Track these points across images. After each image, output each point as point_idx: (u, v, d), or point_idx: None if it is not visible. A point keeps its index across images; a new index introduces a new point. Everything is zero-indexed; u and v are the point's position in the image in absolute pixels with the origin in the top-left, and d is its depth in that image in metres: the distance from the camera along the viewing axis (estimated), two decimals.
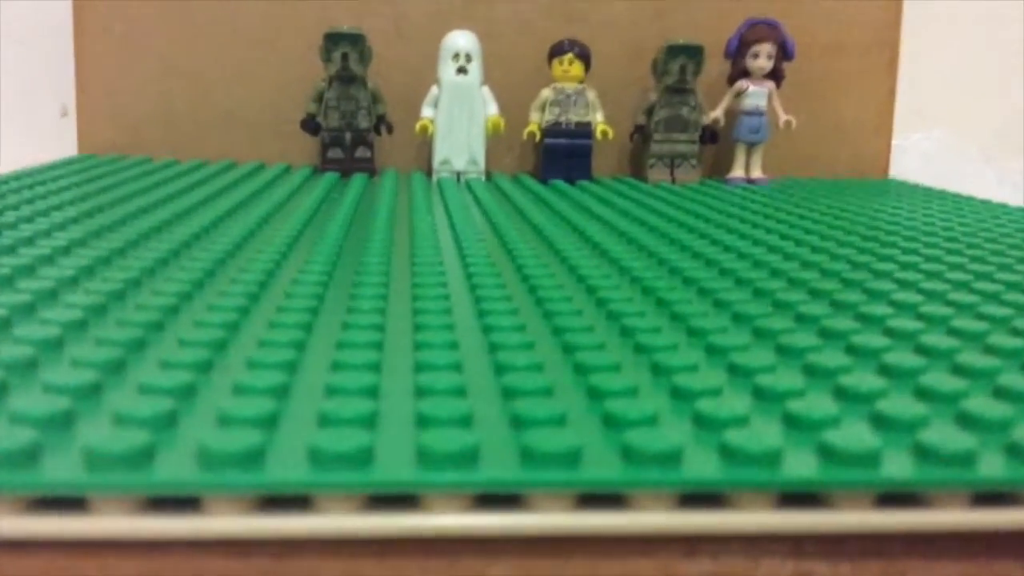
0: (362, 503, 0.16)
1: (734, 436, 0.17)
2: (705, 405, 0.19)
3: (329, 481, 0.16)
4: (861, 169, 0.70)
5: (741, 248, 0.37)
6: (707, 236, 0.40)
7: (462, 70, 0.58)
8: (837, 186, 0.63)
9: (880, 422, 0.19)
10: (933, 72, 0.74)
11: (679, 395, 0.20)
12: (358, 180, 0.56)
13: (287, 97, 0.62)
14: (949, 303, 0.29)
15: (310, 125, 0.59)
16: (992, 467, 0.17)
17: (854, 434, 0.18)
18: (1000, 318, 0.28)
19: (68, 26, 0.62)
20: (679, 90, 0.61)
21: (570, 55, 0.60)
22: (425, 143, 0.62)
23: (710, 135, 0.63)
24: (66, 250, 0.32)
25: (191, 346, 0.22)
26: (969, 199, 0.57)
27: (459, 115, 0.59)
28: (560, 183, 0.60)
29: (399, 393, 0.20)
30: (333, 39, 0.57)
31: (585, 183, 0.60)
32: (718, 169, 0.66)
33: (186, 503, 0.16)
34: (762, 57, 0.61)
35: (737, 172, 0.64)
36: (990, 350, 0.25)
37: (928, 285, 0.32)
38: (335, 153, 0.60)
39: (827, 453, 0.17)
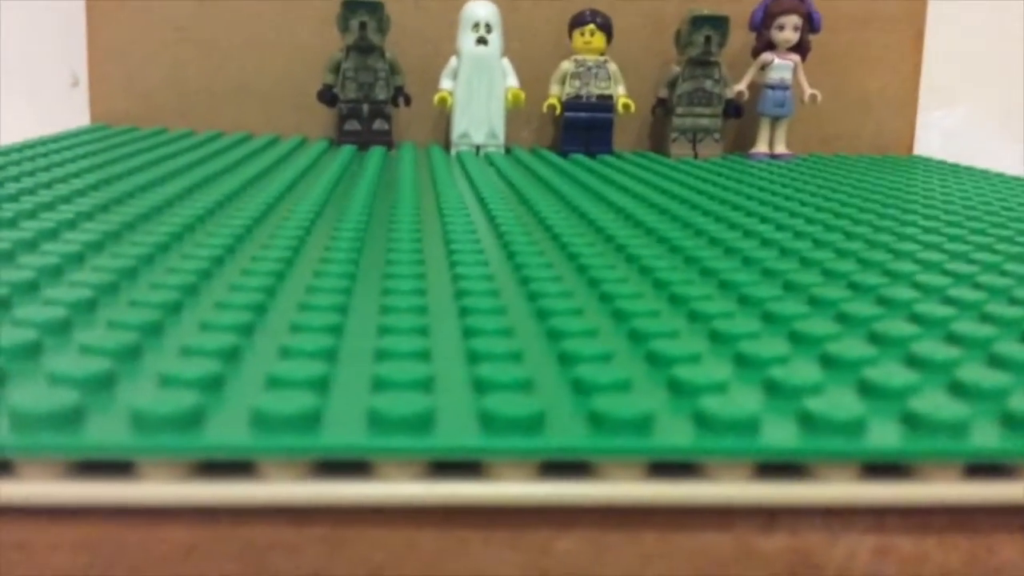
0: (423, 470, 0.15)
1: (813, 403, 0.16)
2: (777, 372, 0.18)
3: (388, 446, 0.15)
4: (885, 145, 0.68)
5: (763, 231, 0.36)
6: (728, 213, 0.39)
7: (482, 40, 0.57)
8: (861, 162, 0.62)
9: (961, 391, 0.18)
10: (957, 48, 0.73)
11: (746, 363, 0.19)
12: (376, 153, 0.54)
13: (303, 67, 0.61)
14: (978, 286, 0.28)
15: (327, 96, 0.58)
16: None
17: (939, 402, 0.17)
18: None
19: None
20: (703, 62, 0.60)
21: (591, 26, 0.59)
22: (443, 116, 0.60)
23: (734, 109, 0.61)
24: (89, 215, 0.31)
25: (231, 309, 0.21)
26: (1000, 176, 0.56)
27: (478, 87, 0.58)
28: (580, 157, 0.58)
29: (453, 357, 0.19)
30: (351, 7, 0.56)
31: (605, 157, 0.59)
32: (741, 144, 0.65)
33: (238, 468, 0.15)
34: (788, 29, 0.60)
35: (761, 147, 0.63)
36: None
37: (953, 267, 0.30)
38: (352, 125, 0.58)
39: (911, 421, 0.16)
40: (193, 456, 0.15)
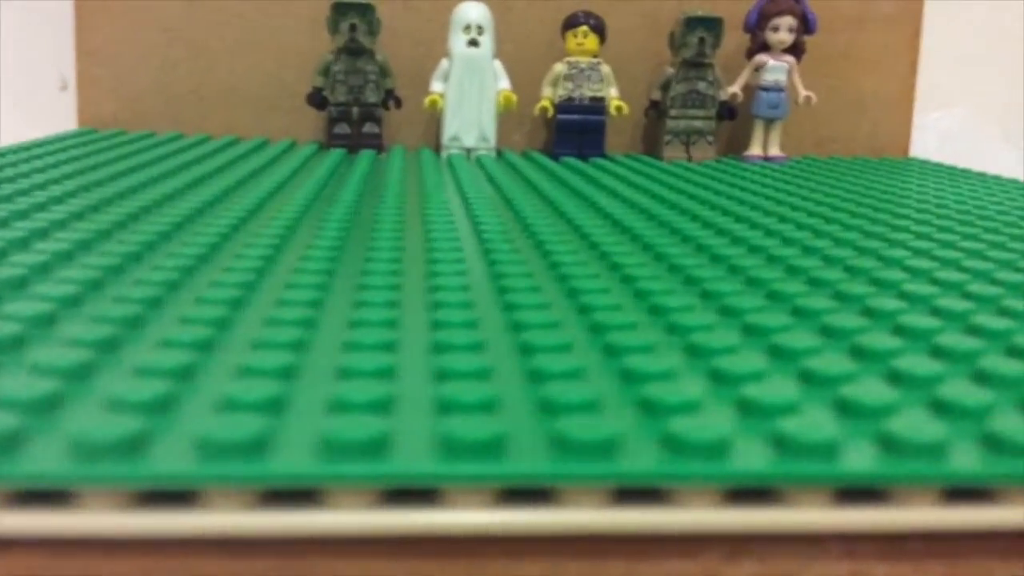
0: (376, 497, 0.15)
1: (786, 424, 0.16)
2: (751, 390, 0.18)
3: (341, 473, 0.14)
4: (881, 147, 0.68)
5: (751, 237, 0.35)
6: (717, 218, 0.38)
7: (473, 42, 0.56)
8: (856, 164, 0.61)
9: (943, 409, 0.18)
10: (954, 49, 0.72)
11: (719, 379, 0.19)
12: (365, 157, 0.54)
13: (293, 70, 0.60)
14: (967, 296, 0.27)
15: (316, 99, 0.57)
16: None
17: (916, 422, 0.16)
18: None
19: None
20: (696, 64, 0.59)
21: (584, 27, 0.58)
22: (434, 119, 0.60)
23: (728, 111, 0.61)
24: (63, 224, 0.31)
25: (193, 324, 0.20)
26: (996, 178, 0.55)
27: (470, 89, 0.57)
28: (572, 160, 0.58)
29: (417, 376, 0.18)
30: (340, 9, 0.55)
31: (598, 160, 0.58)
32: (735, 146, 0.65)
33: (182, 497, 0.14)
34: (782, 30, 0.59)
35: (755, 150, 0.62)
36: None
37: (943, 275, 0.29)
38: (342, 128, 0.58)
39: (887, 443, 0.16)
40: (136, 485, 0.14)
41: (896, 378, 0.19)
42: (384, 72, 0.58)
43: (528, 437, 0.16)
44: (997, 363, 0.20)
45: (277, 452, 0.15)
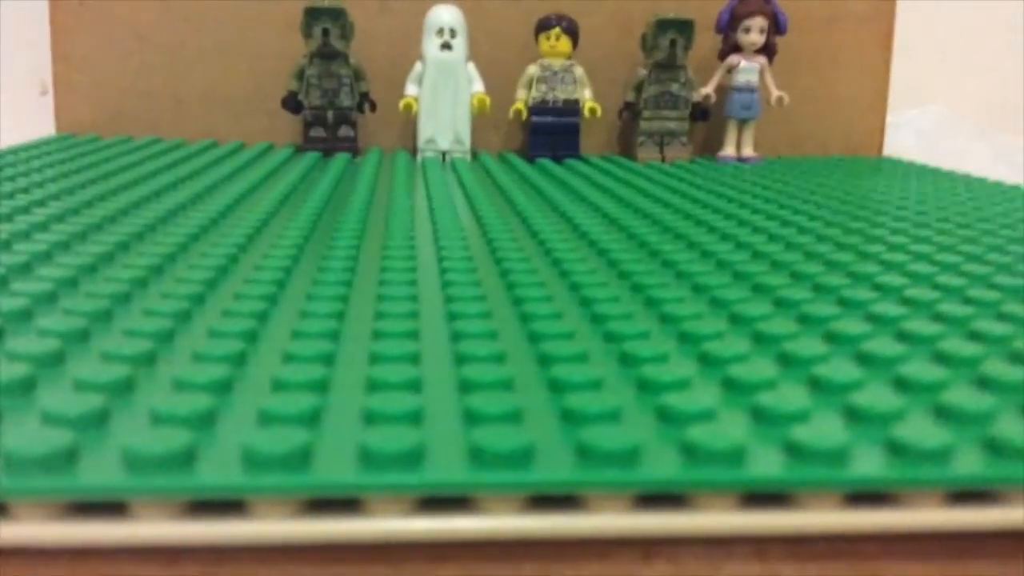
0: (301, 507, 0.15)
1: (697, 432, 0.17)
2: (671, 399, 0.18)
3: (264, 484, 0.15)
4: (855, 147, 0.68)
5: (727, 229, 0.36)
6: (695, 216, 0.39)
7: (446, 46, 0.57)
8: (829, 164, 0.62)
9: (853, 415, 0.18)
10: (928, 47, 0.73)
11: (645, 387, 0.19)
12: (340, 160, 0.54)
13: (269, 74, 0.61)
14: (936, 287, 0.28)
15: (291, 103, 0.58)
16: (967, 464, 0.17)
17: (823, 430, 0.17)
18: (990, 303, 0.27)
19: (45, 3, 0.60)
20: (669, 66, 0.60)
21: (557, 30, 0.59)
22: (410, 121, 0.60)
23: (700, 112, 0.61)
24: (44, 226, 0.32)
25: (136, 336, 0.21)
26: (964, 177, 0.56)
27: (444, 92, 0.58)
28: (547, 162, 0.58)
29: (349, 387, 0.19)
30: (313, 14, 0.56)
31: (573, 162, 0.59)
32: (709, 147, 0.65)
33: (117, 507, 0.15)
34: (754, 32, 0.60)
35: (728, 150, 0.63)
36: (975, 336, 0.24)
37: (915, 267, 0.31)
38: (317, 132, 0.58)
39: (793, 450, 0.17)
40: (68, 496, 0.15)
41: (816, 385, 0.20)
42: (358, 76, 0.58)
43: (447, 447, 0.16)
44: (998, 368, 0.21)
45: (202, 464, 0.15)
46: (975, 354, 0.22)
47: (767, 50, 0.61)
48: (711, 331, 0.23)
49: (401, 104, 0.57)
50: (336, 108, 0.58)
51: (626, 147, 0.65)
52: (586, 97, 0.59)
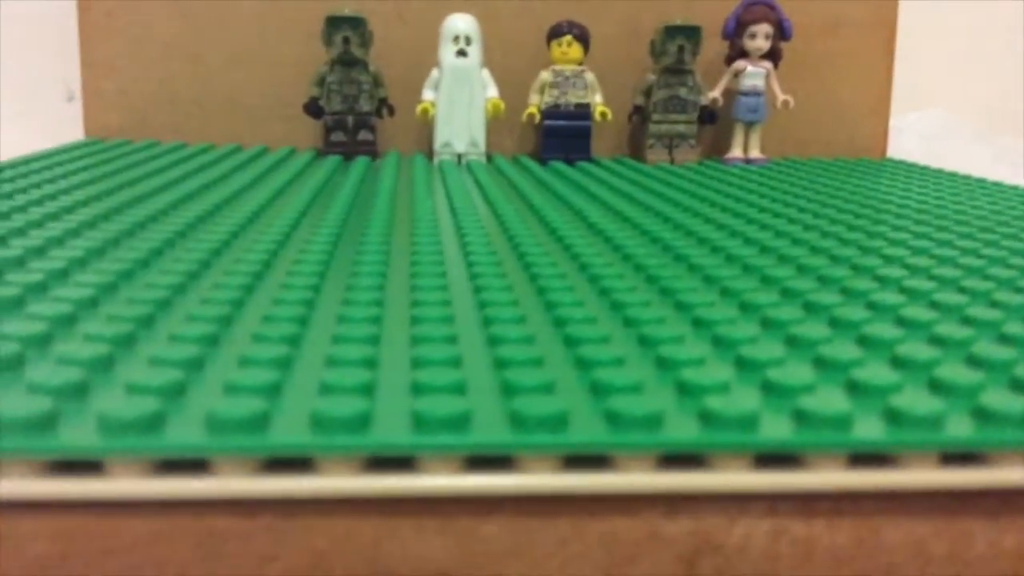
0: (361, 465, 0.17)
1: (714, 401, 0.18)
2: (688, 374, 0.20)
3: (330, 444, 0.17)
4: (859, 149, 0.70)
5: (735, 225, 0.38)
6: (705, 214, 0.41)
7: (462, 53, 0.59)
8: (834, 166, 0.64)
9: (855, 388, 0.20)
10: (930, 51, 0.74)
11: (664, 365, 0.21)
12: (360, 163, 0.56)
13: (291, 80, 0.63)
14: (933, 278, 0.30)
15: (313, 109, 0.60)
16: (959, 429, 0.18)
17: (827, 399, 0.19)
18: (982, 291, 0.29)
19: (72, 10, 0.62)
20: (677, 71, 0.62)
21: (568, 37, 0.61)
22: (427, 126, 0.62)
23: (708, 115, 0.63)
24: (76, 232, 0.33)
25: (198, 321, 0.23)
26: (965, 178, 0.58)
27: (459, 98, 0.60)
28: (560, 164, 0.60)
29: (397, 364, 0.21)
30: (334, 23, 0.58)
31: (584, 164, 0.61)
32: (717, 149, 0.67)
33: (195, 465, 0.17)
34: (759, 37, 0.62)
35: (736, 152, 0.65)
36: (968, 321, 0.25)
37: (914, 261, 0.32)
38: (338, 136, 0.60)
39: (801, 417, 0.18)
40: (155, 455, 0.17)
41: (898, 362, 0.22)
42: (377, 82, 0.60)
43: (491, 414, 0.18)
44: (987, 349, 0.23)
45: (275, 428, 0.17)
46: (967, 336, 0.24)
47: (772, 55, 0.63)
48: (723, 317, 0.25)
49: (418, 109, 0.59)
50: (356, 113, 0.60)
51: (636, 149, 0.67)
52: (597, 101, 0.61)
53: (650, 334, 0.23)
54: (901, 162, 0.67)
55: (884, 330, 0.24)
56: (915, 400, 0.19)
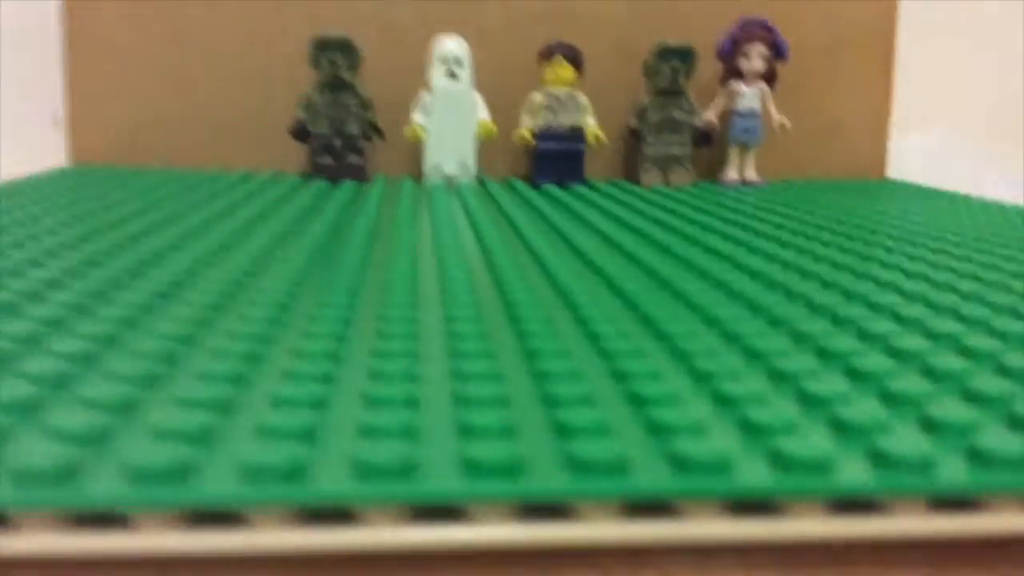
0: (295, 517, 0.16)
1: (686, 443, 0.17)
2: (661, 413, 0.19)
3: (262, 496, 0.16)
4: (858, 170, 0.69)
5: (733, 253, 0.37)
6: (693, 237, 0.40)
7: (452, 75, 0.58)
8: (831, 187, 0.63)
9: (840, 427, 0.19)
10: (930, 71, 0.73)
11: (636, 402, 0.20)
12: (347, 187, 0.55)
13: (278, 104, 0.62)
14: (929, 304, 0.29)
15: (299, 132, 0.59)
16: (951, 473, 0.17)
17: (809, 440, 0.17)
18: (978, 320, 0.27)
19: (57, 33, 0.62)
20: (671, 92, 0.61)
21: (560, 58, 0.60)
22: (417, 148, 0.61)
23: (704, 137, 0.62)
24: (52, 253, 0.32)
25: (139, 357, 0.22)
26: (965, 197, 0.56)
27: (450, 120, 0.59)
28: (552, 188, 0.59)
29: (345, 405, 0.20)
30: (321, 46, 0.57)
31: (578, 187, 0.60)
32: (712, 171, 0.66)
33: (117, 520, 0.16)
34: (755, 58, 0.61)
35: (731, 174, 0.63)
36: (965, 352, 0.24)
37: (909, 286, 0.31)
38: (325, 159, 0.59)
39: (777, 459, 0.17)
40: (72, 508, 0.15)
41: (888, 397, 0.20)
42: (365, 105, 0.59)
43: (440, 459, 0.17)
44: (984, 382, 0.21)
45: (203, 478, 0.16)
46: (963, 368, 0.22)
47: (768, 76, 0.62)
48: (703, 347, 0.23)
49: (408, 132, 0.58)
50: (344, 136, 0.59)
51: (629, 172, 0.65)
52: (590, 124, 0.60)
53: (624, 368, 0.22)
54: (900, 182, 0.66)
55: (874, 362, 0.23)
56: (904, 440, 0.18)
